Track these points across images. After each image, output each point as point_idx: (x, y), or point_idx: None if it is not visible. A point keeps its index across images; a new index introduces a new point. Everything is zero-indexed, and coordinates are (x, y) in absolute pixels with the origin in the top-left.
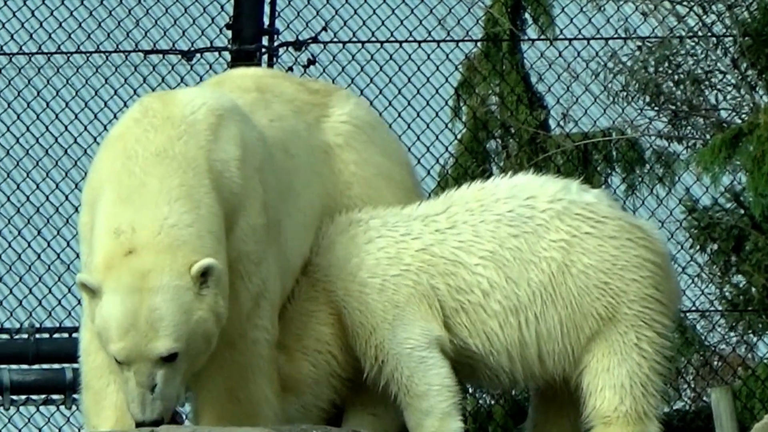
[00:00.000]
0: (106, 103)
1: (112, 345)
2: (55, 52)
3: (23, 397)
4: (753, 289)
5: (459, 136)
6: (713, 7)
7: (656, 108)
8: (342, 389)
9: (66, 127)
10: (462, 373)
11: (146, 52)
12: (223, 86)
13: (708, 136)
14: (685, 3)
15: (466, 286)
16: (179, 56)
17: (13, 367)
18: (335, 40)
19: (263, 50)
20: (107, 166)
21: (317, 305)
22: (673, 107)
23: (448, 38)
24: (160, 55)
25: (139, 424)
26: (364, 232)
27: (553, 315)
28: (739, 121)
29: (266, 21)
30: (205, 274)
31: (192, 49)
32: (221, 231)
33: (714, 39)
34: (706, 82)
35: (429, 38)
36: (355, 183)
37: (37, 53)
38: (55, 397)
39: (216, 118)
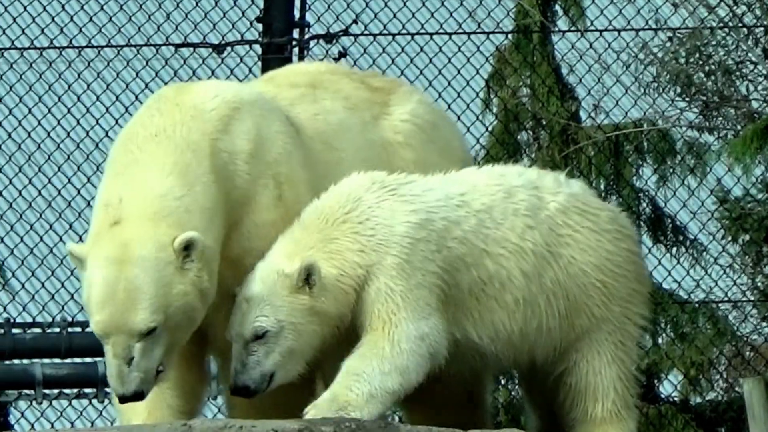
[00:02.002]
0: (137, 97)
1: (92, 318)
2: (86, 46)
3: (56, 391)
4: None
5: (490, 128)
6: None
7: (687, 99)
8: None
9: (97, 120)
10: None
11: (177, 46)
12: (273, 81)
13: (739, 127)
14: None
15: (487, 277)
16: (210, 49)
17: (46, 361)
18: (366, 32)
19: (294, 43)
20: (112, 148)
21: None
22: (704, 98)
23: (478, 30)
24: (191, 49)
25: (121, 399)
26: (414, 211)
27: (554, 310)
28: None
29: (297, 14)
30: (188, 248)
31: (223, 42)
32: (217, 213)
33: (745, 29)
34: (737, 73)
35: (460, 30)
36: None
37: (68, 47)
38: (87, 390)
39: (230, 110)
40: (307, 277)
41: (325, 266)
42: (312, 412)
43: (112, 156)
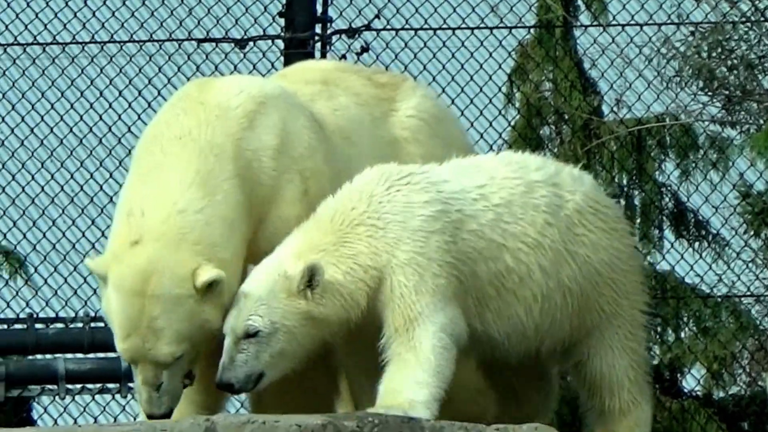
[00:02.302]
0: (159, 92)
1: (117, 343)
2: (108, 41)
3: (79, 386)
4: None
5: (512, 123)
6: None
7: (710, 93)
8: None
9: (119, 116)
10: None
11: (199, 41)
12: (287, 78)
13: (762, 121)
14: None
15: (506, 271)
16: (232, 44)
17: (69, 356)
18: (388, 27)
19: (316, 38)
20: (137, 148)
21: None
22: (727, 92)
23: (501, 25)
24: (213, 44)
25: (149, 417)
26: (428, 202)
27: (568, 307)
28: None
29: (319, 9)
30: (210, 285)
31: (245, 37)
32: (239, 218)
33: (767, 24)
34: (760, 67)
35: (482, 25)
36: None
37: (89, 42)
38: (110, 385)
39: (256, 105)
40: (310, 280)
41: (331, 270)
42: None
43: (137, 155)
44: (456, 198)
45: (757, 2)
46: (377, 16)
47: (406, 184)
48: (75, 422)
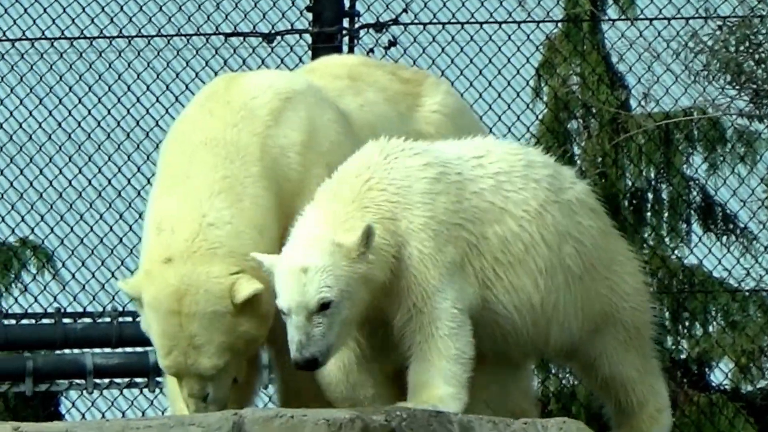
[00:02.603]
0: (187, 86)
1: (160, 360)
2: (136, 36)
3: (106, 380)
4: None
5: (540, 117)
6: None
7: (737, 87)
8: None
9: (147, 110)
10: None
11: (227, 35)
12: (314, 73)
13: None
14: None
15: (511, 237)
16: (260, 39)
17: (96, 350)
18: (416, 21)
19: (344, 32)
20: (165, 149)
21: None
22: (755, 86)
23: (528, 19)
24: (241, 38)
25: None
26: (427, 165)
27: (572, 292)
28: None
29: (347, 3)
30: (248, 301)
31: (273, 31)
32: (268, 222)
33: None
34: None
35: (510, 19)
36: None
37: (117, 37)
38: (138, 380)
39: (281, 101)
40: (367, 242)
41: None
42: None
43: (165, 157)
44: (454, 162)
45: None
46: (405, 11)
47: (401, 150)
48: (103, 416)
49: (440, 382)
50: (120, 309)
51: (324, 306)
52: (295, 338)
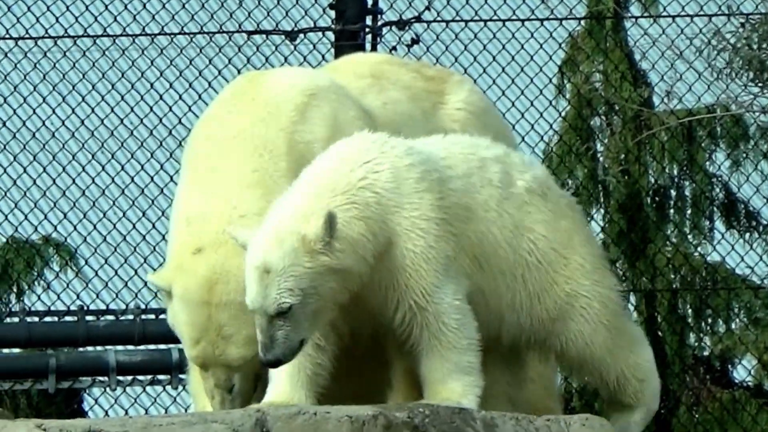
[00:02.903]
0: (210, 84)
1: (187, 350)
2: (159, 33)
3: (129, 377)
4: None
5: (563, 114)
6: None
7: (760, 84)
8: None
9: (170, 108)
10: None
11: (250, 33)
12: (337, 71)
13: None
14: None
15: (478, 238)
16: (283, 36)
17: (119, 348)
18: (438, 19)
19: (367, 30)
20: (190, 146)
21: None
22: None
23: (551, 16)
24: (264, 36)
25: None
26: (412, 165)
27: (529, 288)
28: None
29: (369, 1)
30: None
31: (295, 29)
32: None
33: None
34: None
35: (532, 16)
36: None
37: (141, 35)
38: (161, 377)
39: (306, 97)
40: (330, 230)
41: (344, 217)
42: None
43: (190, 155)
44: (431, 160)
45: None
46: (427, 8)
47: (391, 148)
48: (126, 413)
49: (458, 374)
50: (143, 306)
51: (284, 311)
52: (260, 339)
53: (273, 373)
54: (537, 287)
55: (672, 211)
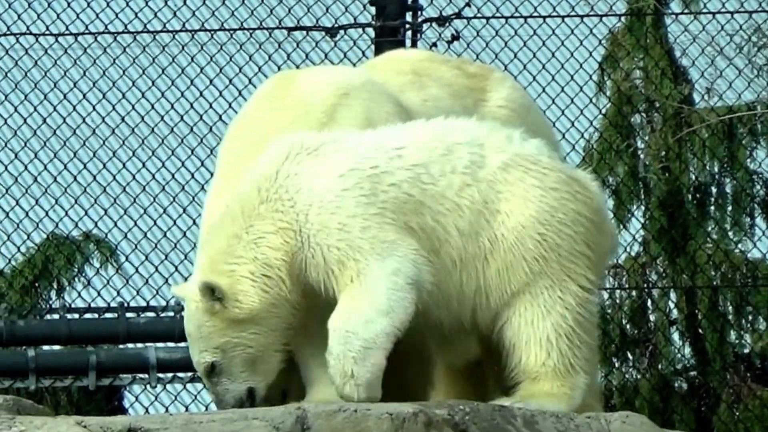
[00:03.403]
0: (250, 80)
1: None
2: (199, 30)
3: (170, 374)
4: None
5: (603, 111)
6: None
7: None
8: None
9: (211, 104)
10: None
11: (290, 29)
12: (377, 69)
13: None
14: None
15: (429, 229)
16: (323, 33)
17: (160, 345)
18: (479, 15)
19: (407, 26)
20: (223, 145)
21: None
22: None
23: (591, 13)
24: (304, 32)
25: None
26: (334, 162)
27: (492, 269)
28: None
29: None
30: (213, 291)
31: (336, 25)
32: None
33: None
34: None
35: (573, 13)
36: None
37: (180, 31)
38: None
39: (336, 98)
40: (214, 296)
41: (240, 266)
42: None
43: (222, 154)
44: (370, 156)
45: None
46: (468, 4)
47: (312, 151)
48: (166, 410)
49: (361, 325)
50: (183, 303)
51: (210, 370)
52: (212, 395)
53: (314, 372)
54: (504, 267)
55: (712, 207)
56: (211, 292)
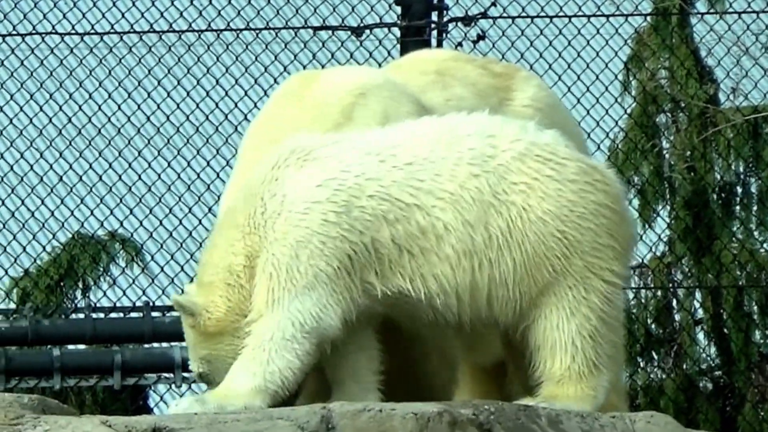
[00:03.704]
0: (275, 80)
1: None
2: (225, 29)
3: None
4: None
5: (629, 111)
6: None
7: None
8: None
9: (236, 104)
10: (401, 314)
11: (316, 29)
12: (401, 69)
13: None
14: None
15: (418, 231)
16: (349, 32)
17: (185, 344)
18: (504, 15)
19: (432, 26)
20: (242, 144)
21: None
22: None
23: (617, 12)
24: (330, 32)
25: None
26: (317, 170)
27: (507, 261)
28: None
29: None
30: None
31: (361, 25)
32: None
33: None
34: None
35: (598, 13)
36: None
37: (206, 30)
38: None
39: (354, 97)
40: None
41: (208, 275)
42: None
43: (239, 158)
44: (359, 162)
45: None
46: (493, 4)
47: (302, 157)
48: None
49: (238, 376)
50: None
51: (202, 378)
52: None
53: (342, 372)
54: (524, 261)
55: (738, 207)
56: (181, 308)
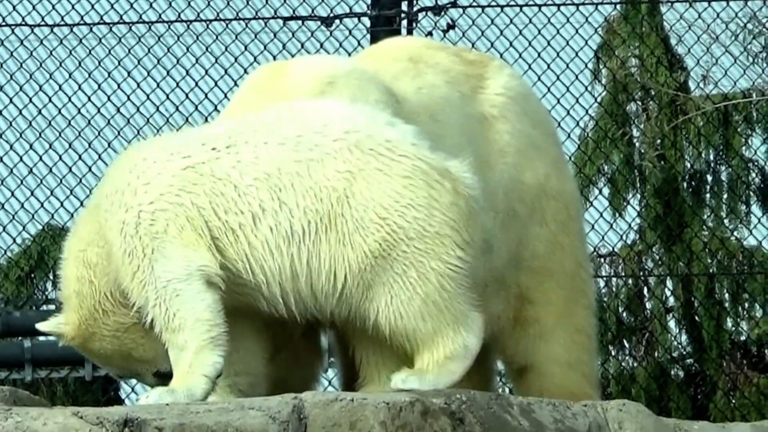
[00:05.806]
0: (245, 70)
1: None
2: (195, 20)
3: None
4: None
5: (599, 99)
6: None
7: None
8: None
9: (206, 95)
10: (244, 302)
11: (285, 19)
12: (374, 56)
13: None
14: None
15: (235, 207)
16: (318, 22)
17: None
18: (474, 4)
19: (402, 15)
20: None
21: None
22: None
23: (587, 1)
24: (300, 22)
25: None
26: (131, 158)
27: (326, 248)
28: None
29: None
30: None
31: (331, 15)
32: None
33: None
34: None
35: (568, 1)
36: (509, 152)
37: (176, 21)
38: None
39: (323, 86)
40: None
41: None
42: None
43: None
44: (197, 151)
45: None
46: None
47: (133, 148)
48: None
49: (180, 355)
50: None
51: (164, 374)
52: None
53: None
54: (341, 247)
55: (708, 195)
56: (50, 334)
